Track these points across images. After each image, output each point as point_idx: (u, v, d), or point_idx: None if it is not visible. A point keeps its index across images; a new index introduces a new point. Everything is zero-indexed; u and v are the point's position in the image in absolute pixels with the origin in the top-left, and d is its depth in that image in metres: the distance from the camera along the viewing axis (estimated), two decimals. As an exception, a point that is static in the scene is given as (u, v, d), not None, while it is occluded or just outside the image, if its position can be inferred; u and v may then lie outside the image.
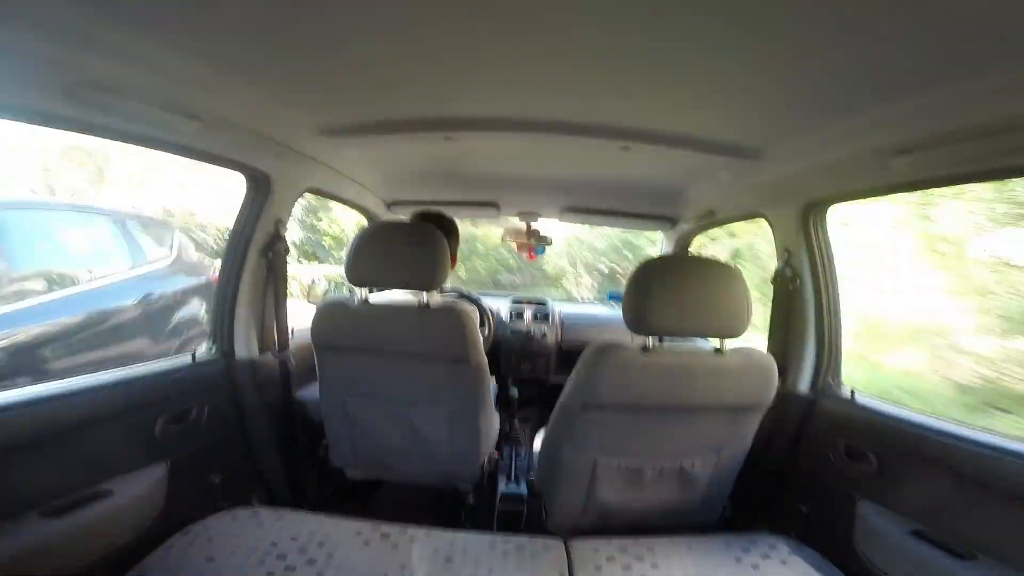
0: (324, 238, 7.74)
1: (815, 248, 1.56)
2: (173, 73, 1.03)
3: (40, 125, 1.01)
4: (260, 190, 1.56)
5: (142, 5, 0.82)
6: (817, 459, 1.47)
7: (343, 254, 1.54)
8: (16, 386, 1.11)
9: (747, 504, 1.55)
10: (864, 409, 1.37)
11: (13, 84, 0.90)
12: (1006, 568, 0.98)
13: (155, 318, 3.35)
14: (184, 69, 1.03)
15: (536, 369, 2.71)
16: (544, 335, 2.71)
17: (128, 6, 0.81)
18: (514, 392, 1.95)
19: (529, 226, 2.72)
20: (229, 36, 0.93)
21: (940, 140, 1.02)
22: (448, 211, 1.78)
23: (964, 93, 0.90)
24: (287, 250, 1.65)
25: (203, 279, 3.90)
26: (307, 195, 1.85)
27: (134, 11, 0.83)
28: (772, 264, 1.71)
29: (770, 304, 1.70)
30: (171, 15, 0.85)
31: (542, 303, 2.87)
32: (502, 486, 1.83)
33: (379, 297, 1.55)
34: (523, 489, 1.77)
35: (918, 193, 3.40)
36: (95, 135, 1.10)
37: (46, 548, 1.00)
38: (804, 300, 1.58)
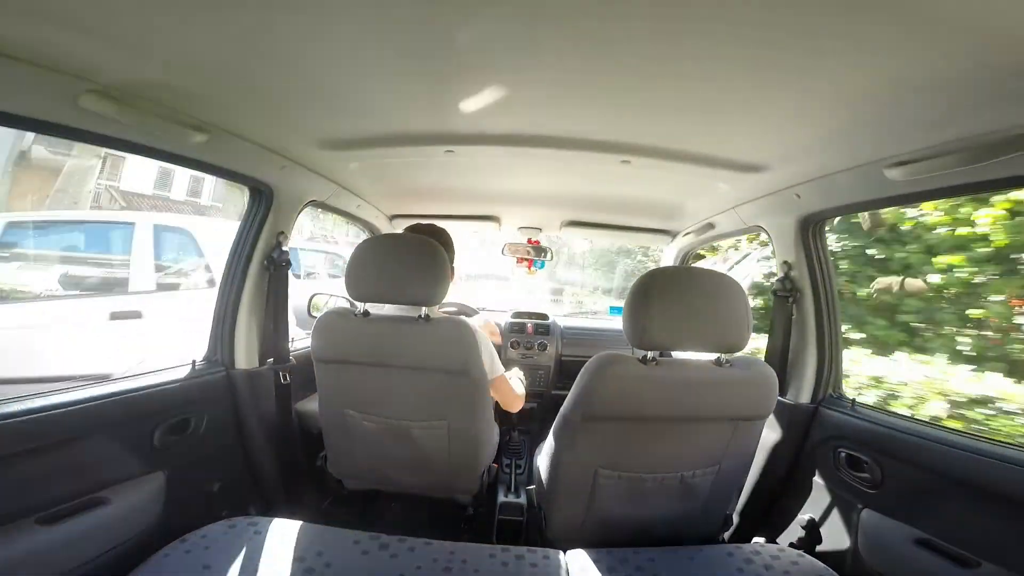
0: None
1: (814, 260, 1.57)
2: (179, 86, 1.06)
3: (47, 135, 1.03)
4: (262, 202, 1.58)
5: (148, 19, 0.84)
6: (819, 469, 1.47)
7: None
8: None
9: (749, 515, 1.54)
10: (865, 419, 1.37)
11: (21, 95, 0.92)
12: None
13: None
14: (190, 82, 1.05)
15: (536, 382, 2.71)
16: (545, 348, 2.71)
17: (135, 20, 0.84)
18: (513, 418, 1.93)
19: (529, 239, 2.74)
20: (235, 50, 0.95)
21: (936, 153, 1.03)
22: (449, 224, 1.79)
23: (959, 106, 0.92)
24: (288, 262, 1.67)
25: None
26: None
27: (140, 25, 0.85)
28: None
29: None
30: (177, 29, 0.87)
31: (543, 316, 2.88)
32: (501, 497, 1.81)
33: (379, 309, 1.56)
34: (523, 500, 1.76)
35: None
36: (101, 146, 1.12)
37: (42, 555, 0.99)
38: (804, 311, 1.59)
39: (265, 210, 1.59)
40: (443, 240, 1.68)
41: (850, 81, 0.90)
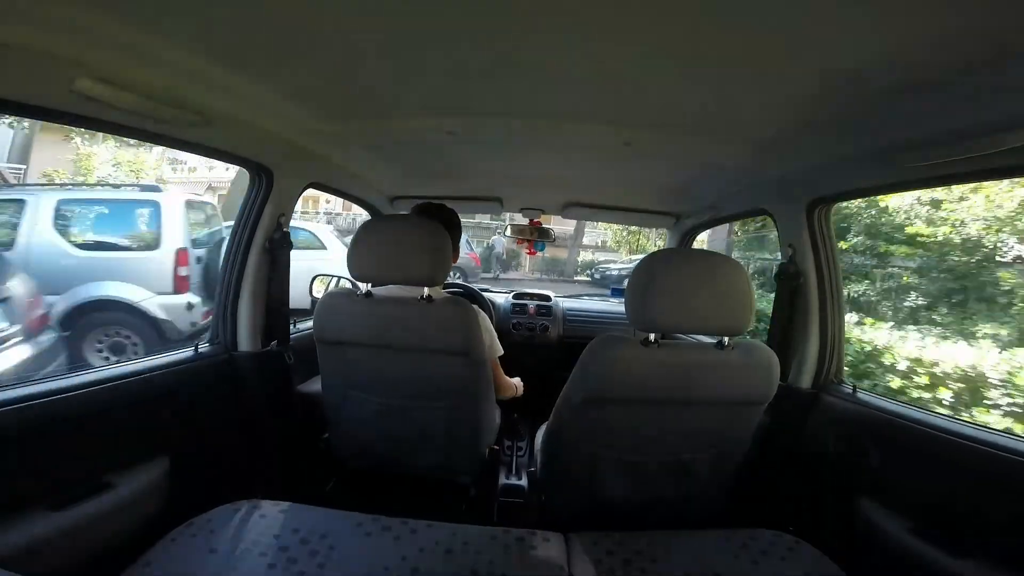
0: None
1: (819, 244, 1.55)
2: (177, 69, 1.04)
3: (46, 120, 1.01)
4: (263, 184, 1.57)
5: (147, 1, 0.82)
6: (818, 455, 1.48)
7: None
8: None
9: (747, 499, 1.55)
10: (865, 405, 1.37)
11: (20, 80, 0.90)
12: (1004, 565, 0.98)
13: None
14: (188, 65, 1.03)
15: (538, 363, 2.72)
16: (546, 329, 2.72)
17: (133, 2, 0.82)
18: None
19: (531, 221, 2.72)
20: (233, 32, 0.93)
21: (945, 138, 1.01)
22: (451, 206, 1.78)
23: (970, 91, 0.90)
24: (290, 244, 1.66)
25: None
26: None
27: (139, 7, 0.83)
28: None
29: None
30: (176, 11, 0.85)
31: (545, 297, 2.88)
32: (503, 479, 1.84)
33: (382, 290, 1.56)
34: (523, 482, 1.78)
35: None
36: (100, 130, 1.11)
37: (50, 541, 1.01)
38: (807, 296, 1.58)
39: (265, 192, 1.57)
40: (448, 219, 1.67)
41: (861, 63, 0.88)
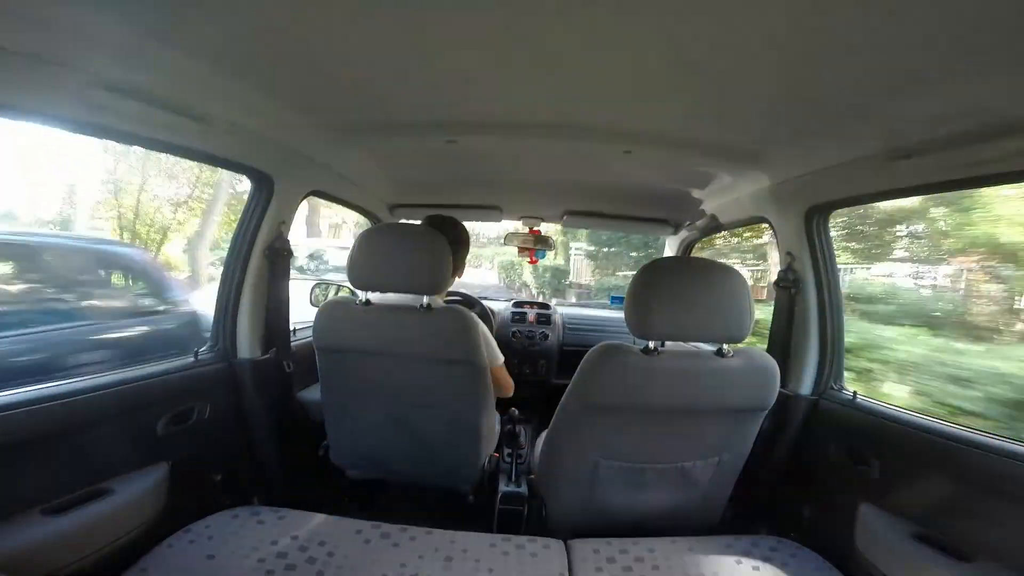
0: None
1: (817, 251, 1.56)
2: (179, 76, 1.05)
3: (46, 126, 1.02)
4: (263, 192, 1.57)
5: (148, 8, 0.83)
6: (818, 461, 1.47)
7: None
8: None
9: (748, 506, 1.54)
10: (865, 411, 1.37)
11: (22, 85, 0.91)
12: (1006, 570, 0.97)
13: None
14: (190, 71, 1.04)
15: (537, 371, 2.71)
16: (546, 337, 2.71)
17: (134, 9, 0.83)
18: (514, 411, 1.93)
19: (531, 230, 2.73)
20: (234, 39, 0.94)
21: (943, 144, 1.02)
22: (451, 215, 1.79)
23: (967, 97, 0.91)
24: (290, 252, 1.66)
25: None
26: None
27: (140, 14, 0.84)
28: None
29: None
30: (177, 18, 0.86)
31: (544, 306, 2.88)
32: (502, 486, 1.83)
33: (382, 298, 1.56)
34: (523, 490, 1.77)
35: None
36: (100, 137, 1.12)
37: (47, 546, 1.00)
38: (806, 303, 1.58)
39: (266, 200, 1.58)
40: (454, 234, 1.67)
41: (860, 70, 0.89)
